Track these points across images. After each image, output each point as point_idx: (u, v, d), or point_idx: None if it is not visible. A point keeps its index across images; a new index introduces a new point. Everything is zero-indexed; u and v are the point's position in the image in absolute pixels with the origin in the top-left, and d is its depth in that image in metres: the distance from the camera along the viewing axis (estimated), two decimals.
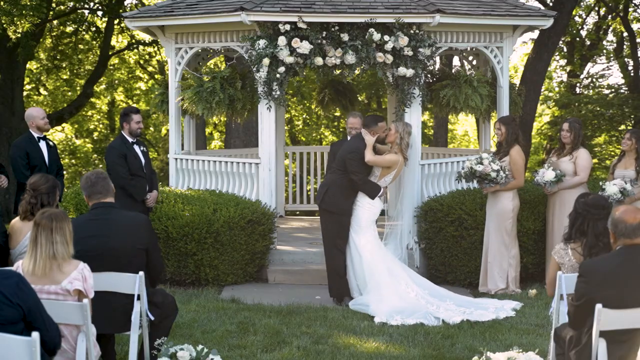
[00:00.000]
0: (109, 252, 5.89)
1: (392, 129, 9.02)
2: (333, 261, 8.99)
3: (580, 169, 9.51)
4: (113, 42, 23.56)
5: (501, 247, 9.45)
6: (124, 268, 5.92)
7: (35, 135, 9.23)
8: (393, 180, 9.05)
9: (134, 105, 28.41)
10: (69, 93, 26.62)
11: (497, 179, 9.23)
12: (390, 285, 8.70)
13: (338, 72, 10.60)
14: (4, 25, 15.17)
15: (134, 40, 23.28)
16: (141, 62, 26.92)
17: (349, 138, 9.79)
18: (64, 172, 10.88)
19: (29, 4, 15.02)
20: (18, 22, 15.11)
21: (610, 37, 25.14)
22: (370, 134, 8.94)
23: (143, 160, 9.11)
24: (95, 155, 29.37)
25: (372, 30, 9.81)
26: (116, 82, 28.00)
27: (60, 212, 5.36)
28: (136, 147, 9.09)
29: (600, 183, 9.47)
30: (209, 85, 10.33)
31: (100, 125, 30.34)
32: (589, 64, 25.44)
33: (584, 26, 24.95)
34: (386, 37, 9.86)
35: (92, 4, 21.15)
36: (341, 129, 28.00)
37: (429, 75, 10.96)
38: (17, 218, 6.85)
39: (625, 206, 5.39)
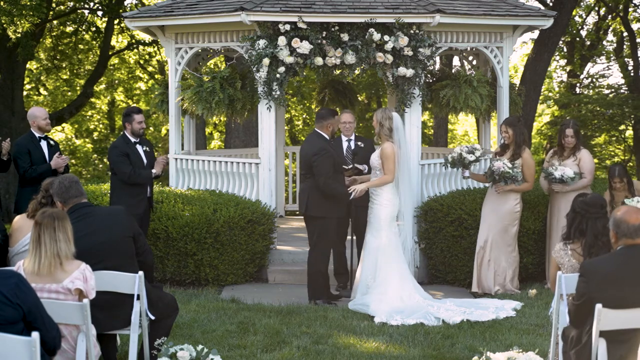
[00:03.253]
0: (100, 248, 5.92)
1: (374, 120, 8.95)
2: (318, 265, 8.93)
3: (587, 172, 9.42)
4: (113, 42, 23.55)
5: (506, 248, 9.44)
6: (118, 260, 5.96)
7: (37, 134, 9.25)
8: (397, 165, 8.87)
9: (135, 105, 28.42)
10: (69, 93, 26.63)
11: (517, 177, 9.21)
12: (397, 287, 8.66)
13: (338, 72, 10.60)
14: (4, 25, 15.17)
15: (134, 40, 23.28)
16: (141, 62, 26.92)
17: (343, 138, 9.78)
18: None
19: (29, 4, 15.01)
20: (18, 22, 15.10)
21: (610, 37, 25.15)
22: (326, 128, 8.93)
23: (145, 160, 9.10)
24: (95, 155, 29.37)
25: (372, 30, 9.81)
26: (116, 82, 28.01)
27: (60, 211, 5.39)
28: (139, 147, 9.08)
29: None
30: (209, 85, 10.33)
31: (100, 125, 30.35)
32: (589, 64, 25.44)
33: (584, 26, 24.96)
34: (386, 37, 9.86)
35: (92, 4, 21.15)
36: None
37: (429, 75, 10.95)
38: (22, 215, 6.83)
39: (627, 206, 5.39)
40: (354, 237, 9.65)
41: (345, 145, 9.76)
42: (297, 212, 13.92)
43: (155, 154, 9.84)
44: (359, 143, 9.71)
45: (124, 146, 9.00)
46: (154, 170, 9.01)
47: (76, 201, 6.07)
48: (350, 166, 9.39)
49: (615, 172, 9.41)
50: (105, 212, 6.38)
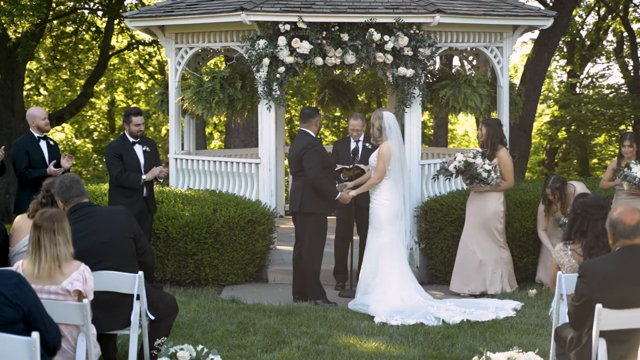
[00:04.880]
0: (100, 248, 5.90)
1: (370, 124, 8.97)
2: (314, 264, 8.93)
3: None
4: (113, 42, 23.56)
5: (496, 247, 9.42)
6: (118, 261, 5.95)
7: (36, 134, 9.23)
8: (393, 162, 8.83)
9: (134, 105, 28.42)
10: (69, 93, 26.63)
11: (488, 180, 9.17)
12: (397, 286, 8.65)
13: (338, 72, 10.60)
14: (4, 25, 15.17)
15: (134, 40, 23.29)
16: (141, 62, 26.93)
17: (352, 140, 9.78)
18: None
19: (29, 4, 15.01)
20: (18, 22, 15.11)
21: (610, 37, 25.16)
22: (314, 125, 8.96)
23: (143, 160, 9.04)
24: (95, 155, 29.38)
25: (372, 30, 9.81)
26: (116, 82, 28.01)
27: (59, 212, 5.37)
28: (138, 147, 9.03)
29: (630, 165, 9.36)
30: (209, 85, 10.33)
31: (100, 125, 30.35)
32: (589, 64, 25.45)
33: (584, 26, 24.96)
34: (386, 37, 9.86)
35: (92, 4, 21.15)
36: (341, 129, 28.00)
37: (429, 75, 10.95)
38: (22, 215, 6.84)
39: (622, 207, 5.38)
40: (359, 237, 9.66)
41: (352, 145, 9.76)
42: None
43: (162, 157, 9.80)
44: (367, 144, 9.70)
45: (119, 146, 8.98)
46: (143, 177, 8.96)
47: (77, 200, 6.06)
48: (351, 166, 9.38)
49: (627, 136, 9.70)
50: (106, 212, 6.36)
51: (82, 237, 5.78)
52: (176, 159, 11.17)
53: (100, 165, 28.92)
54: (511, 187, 9.58)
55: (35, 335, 4.48)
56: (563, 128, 24.52)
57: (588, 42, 24.49)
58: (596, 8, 24.18)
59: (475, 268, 9.40)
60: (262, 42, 9.93)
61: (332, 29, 9.93)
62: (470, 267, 9.42)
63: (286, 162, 14.75)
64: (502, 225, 9.46)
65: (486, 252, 9.40)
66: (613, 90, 24.10)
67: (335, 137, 27.76)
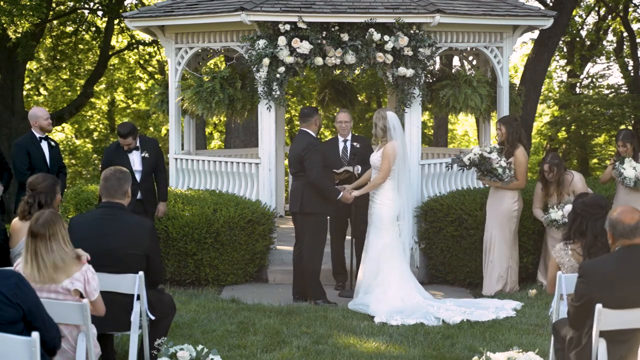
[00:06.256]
0: (107, 254, 5.88)
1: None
2: (315, 264, 8.92)
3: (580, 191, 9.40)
4: (113, 42, 23.56)
5: (505, 247, 9.43)
6: (121, 271, 5.91)
7: (37, 135, 9.23)
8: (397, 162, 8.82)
9: (134, 105, 28.44)
10: (69, 93, 26.63)
11: (503, 176, 9.19)
12: (397, 286, 8.65)
13: (338, 72, 10.60)
14: (4, 25, 15.18)
15: (134, 40, 23.29)
16: (141, 62, 26.92)
17: (340, 139, 9.76)
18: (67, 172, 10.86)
19: (29, 4, 15.02)
20: (18, 22, 15.12)
21: (610, 37, 25.16)
22: (314, 124, 8.97)
23: (141, 167, 8.98)
24: (95, 155, 29.37)
25: (372, 30, 9.81)
26: (116, 82, 28.00)
27: (51, 216, 5.25)
28: (135, 153, 8.98)
29: (624, 160, 9.44)
30: (209, 85, 10.33)
31: (100, 125, 30.34)
32: (589, 64, 25.46)
33: (584, 26, 24.97)
34: (386, 37, 9.86)
35: (92, 4, 21.16)
36: None
37: (429, 75, 10.95)
38: (17, 218, 6.86)
39: (622, 206, 5.38)
40: (353, 238, 9.65)
41: (341, 146, 9.76)
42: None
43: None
44: (355, 143, 9.71)
45: (112, 153, 8.97)
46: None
47: (109, 197, 6.02)
48: (342, 170, 9.40)
49: (620, 136, 9.65)
50: (130, 223, 6.07)
51: (91, 238, 5.78)
52: (176, 159, 11.17)
53: (100, 166, 28.90)
54: (522, 188, 9.56)
55: (35, 335, 4.48)
56: (563, 128, 24.52)
57: (588, 42, 24.49)
58: (596, 8, 24.19)
59: (491, 268, 9.44)
60: (262, 42, 9.93)
61: (332, 29, 9.93)
62: (485, 266, 9.47)
63: (286, 162, 14.75)
64: (515, 224, 9.47)
65: (497, 251, 9.41)
66: (613, 90, 24.12)
67: None
